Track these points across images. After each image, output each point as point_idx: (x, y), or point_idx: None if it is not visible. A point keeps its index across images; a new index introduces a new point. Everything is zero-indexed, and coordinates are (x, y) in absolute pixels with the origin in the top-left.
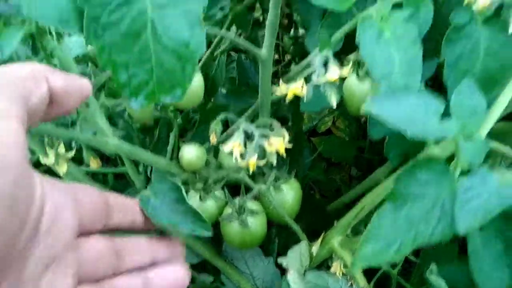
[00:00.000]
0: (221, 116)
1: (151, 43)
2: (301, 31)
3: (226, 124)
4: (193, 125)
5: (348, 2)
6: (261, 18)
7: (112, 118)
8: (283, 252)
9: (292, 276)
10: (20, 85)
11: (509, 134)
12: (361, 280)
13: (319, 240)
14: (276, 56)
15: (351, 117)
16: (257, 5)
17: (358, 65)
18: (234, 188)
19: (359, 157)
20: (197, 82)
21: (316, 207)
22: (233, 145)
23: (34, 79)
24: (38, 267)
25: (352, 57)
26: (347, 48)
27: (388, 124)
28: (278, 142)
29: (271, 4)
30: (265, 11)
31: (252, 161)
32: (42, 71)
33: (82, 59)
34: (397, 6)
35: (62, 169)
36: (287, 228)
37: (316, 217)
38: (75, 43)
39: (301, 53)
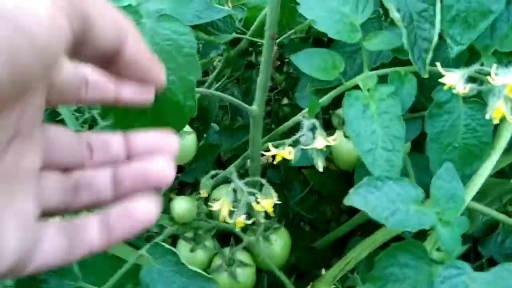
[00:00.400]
0: (212, 172)
1: None
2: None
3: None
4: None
5: (334, 73)
6: (254, 60)
7: None
8: None
9: None
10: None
11: (494, 189)
12: None
13: None
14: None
15: None
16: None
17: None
18: (224, 236)
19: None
20: (191, 141)
21: (306, 243)
22: (222, 204)
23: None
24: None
25: (340, 112)
26: (336, 102)
27: (370, 215)
28: (267, 203)
29: (261, 67)
30: (257, 54)
31: (240, 221)
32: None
33: None
34: (382, 77)
35: None
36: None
37: (305, 253)
38: None
39: (293, 86)
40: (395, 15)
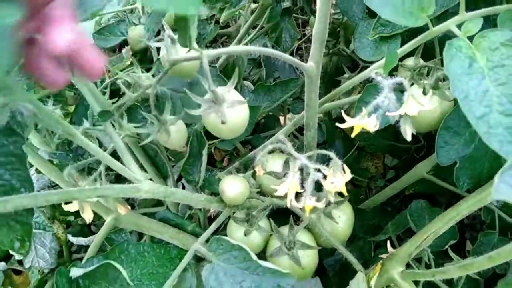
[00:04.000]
0: (269, 147)
1: None
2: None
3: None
4: None
5: (422, 16)
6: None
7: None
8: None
9: None
10: None
11: None
12: None
13: (377, 269)
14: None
15: None
16: None
17: (420, 73)
18: (277, 213)
19: (394, 145)
20: (243, 112)
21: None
22: (289, 187)
23: None
24: None
25: (410, 62)
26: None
27: None
28: (340, 181)
29: (318, 16)
30: None
31: (310, 205)
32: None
33: None
34: (487, 20)
35: (88, 216)
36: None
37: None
38: None
39: (334, 31)
40: None
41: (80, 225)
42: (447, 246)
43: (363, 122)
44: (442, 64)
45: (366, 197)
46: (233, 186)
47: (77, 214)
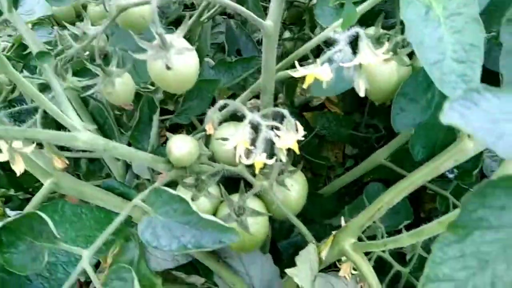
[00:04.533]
0: (220, 102)
1: None
2: None
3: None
4: (176, 102)
5: None
6: None
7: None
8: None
9: None
10: None
11: None
12: (374, 280)
13: (329, 241)
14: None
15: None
16: None
17: (380, 42)
18: (230, 181)
19: (355, 134)
20: (192, 60)
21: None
22: (238, 142)
23: None
24: None
25: (370, 31)
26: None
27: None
28: (292, 138)
29: None
30: None
31: (260, 161)
32: None
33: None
34: None
35: (19, 167)
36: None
37: (311, 201)
38: (37, 4)
39: (295, 19)
40: None
41: (20, 199)
42: (401, 226)
43: (316, 71)
44: (402, 33)
45: (325, 186)
46: (181, 145)
47: (17, 188)
